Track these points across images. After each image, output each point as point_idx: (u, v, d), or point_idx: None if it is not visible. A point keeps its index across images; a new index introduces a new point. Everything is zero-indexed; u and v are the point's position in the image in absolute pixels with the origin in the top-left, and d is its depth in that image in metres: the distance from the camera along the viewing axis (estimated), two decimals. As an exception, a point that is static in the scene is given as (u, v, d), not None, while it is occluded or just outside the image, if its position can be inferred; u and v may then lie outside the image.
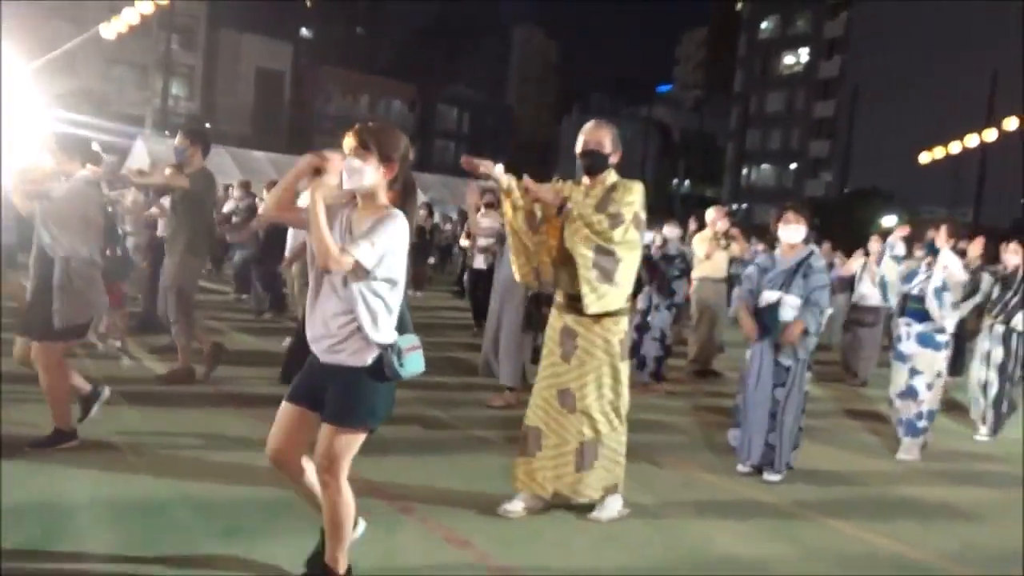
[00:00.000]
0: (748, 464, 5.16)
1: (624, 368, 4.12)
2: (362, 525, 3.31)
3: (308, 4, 59.41)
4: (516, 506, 4.10)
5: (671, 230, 8.04)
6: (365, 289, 2.89)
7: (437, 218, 17.77)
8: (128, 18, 16.27)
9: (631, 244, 3.98)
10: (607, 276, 3.91)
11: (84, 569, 3.18)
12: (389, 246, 2.88)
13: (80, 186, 4.63)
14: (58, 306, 4.43)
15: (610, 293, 3.93)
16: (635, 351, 7.38)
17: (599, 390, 4.05)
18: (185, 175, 6.12)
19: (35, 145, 5.93)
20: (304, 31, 60.60)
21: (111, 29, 16.65)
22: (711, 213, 8.69)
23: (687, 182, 63.82)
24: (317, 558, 3.13)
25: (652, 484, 4.79)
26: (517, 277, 4.26)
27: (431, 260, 16.78)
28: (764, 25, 58.04)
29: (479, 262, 9.44)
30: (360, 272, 2.85)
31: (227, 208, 12.47)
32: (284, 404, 3.08)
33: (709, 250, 8.37)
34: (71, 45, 18.26)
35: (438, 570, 3.46)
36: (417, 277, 15.35)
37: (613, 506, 4.16)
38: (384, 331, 2.95)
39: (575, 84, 77.83)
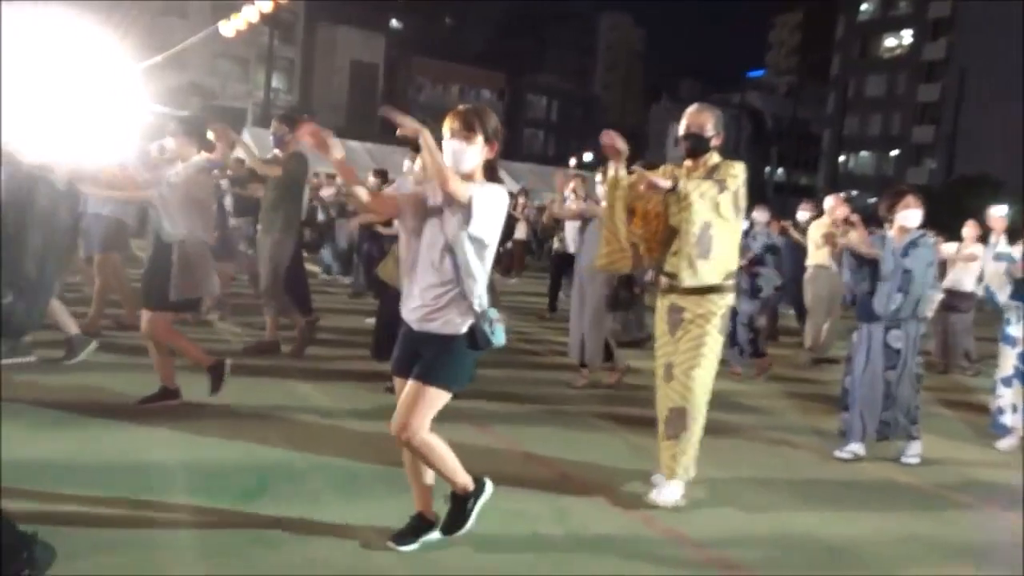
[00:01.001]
0: (853, 446, 5.21)
1: (720, 341, 4.20)
2: (490, 487, 3.48)
3: (399, -3, 60.45)
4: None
5: (760, 214, 8.07)
6: (464, 256, 3.07)
7: (526, 202, 18.01)
8: (248, 15, 16.70)
9: (730, 218, 4.06)
10: (705, 252, 4.01)
11: (176, 518, 3.52)
12: (490, 211, 3.06)
13: (195, 171, 5.01)
14: (175, 282, 4.83)
15: (705, 267, 4.03)
16: (732, 339, 7.45)
17: (696, 359, 4.12)
18: (281, 159, 6.52)
19: (144, 136, 6.44)
20: (395, 23, 61.72)
21: (230, 27, 17.08)
22: (830, 201, 8.63)
23: (780, 170, 62.23)
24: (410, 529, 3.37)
25: (742, 461, 4.91)
26: (600, 263, 4.39)
27: (525, 242, 17.03)
28: (864, 7, 55.97)
29: (563, 246, 9.68)
30: (465, 218, 3.02)
31: (326, 193, 13.03)
32: (398, 381, 3.32)
33: (829, 239, 8.34)
34: (188, 43, 19.10)
35: (627, 540, 3.68)
36: (509, 263, 15.68)
37: (673, 492, 4.14)
38: (479, 299, 3.14)
39: (663, 71, 76.92)
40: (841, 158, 54.40)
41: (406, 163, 6.30)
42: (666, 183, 4.03)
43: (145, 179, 5.18)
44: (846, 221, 8.38)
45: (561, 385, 6.59)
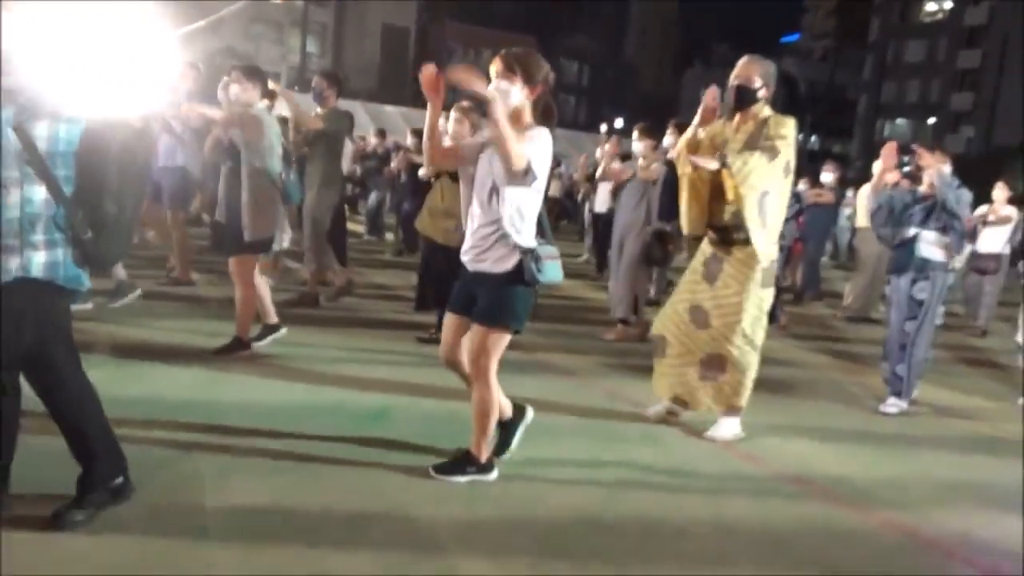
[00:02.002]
0: (893, 400, 5.37)
1: (767, 296, 4.31)
2: (530, 413, 3.74)
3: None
4: (656, 409, 4.56)
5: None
6: (509, 197, 3.25)
7: (563, 169, 18.13)
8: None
9: (781, 184, 4.14)
10: (762, 222, 4.12)
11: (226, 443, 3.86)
12: (535, 156, 3.22)
13: (262, 114, 5.24)
14: (247, 222, 5.08)
15: (762, 236, 4.14)
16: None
17: (739, 315, 4.23)
18: (322, 114, 6.75)
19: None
20: (427, -13, 61.29)
21: None
22: (879, 165, 8.70)
23: (814, 137, 61.31)
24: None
25: (771, 410, 5.14)
26: (690, 228, 4.45)
27: (558, 200, 17.16)
28: (905, -30, 54.61)
29: (601, 205, 9.92)
30: (524, 174, 3.20)
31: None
32: (448, 315, 3.58)
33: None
34: (227, 12, 19.26)
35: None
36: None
37: (730, 428, 4.39)
38: (525, 236, 3.31)
39: (696, 36, 75.62)
40: (877, 125, 53.51)
41: (440, 122, 6.48)
42: (713, 164, 4.11)
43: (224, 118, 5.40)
44: (895, 186, 8.43)
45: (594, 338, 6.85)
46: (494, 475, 3.57)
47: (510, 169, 3.18)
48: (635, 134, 6.96)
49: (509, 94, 3.28)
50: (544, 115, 3.38)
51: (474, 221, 3.40)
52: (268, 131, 5.13)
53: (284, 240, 5.76)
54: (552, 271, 3.39)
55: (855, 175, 22.18)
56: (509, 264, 3.33)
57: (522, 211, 3.31)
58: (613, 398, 5.04)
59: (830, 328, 8.63)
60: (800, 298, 10.10)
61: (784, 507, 3.63)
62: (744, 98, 4.23)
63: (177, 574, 2.64)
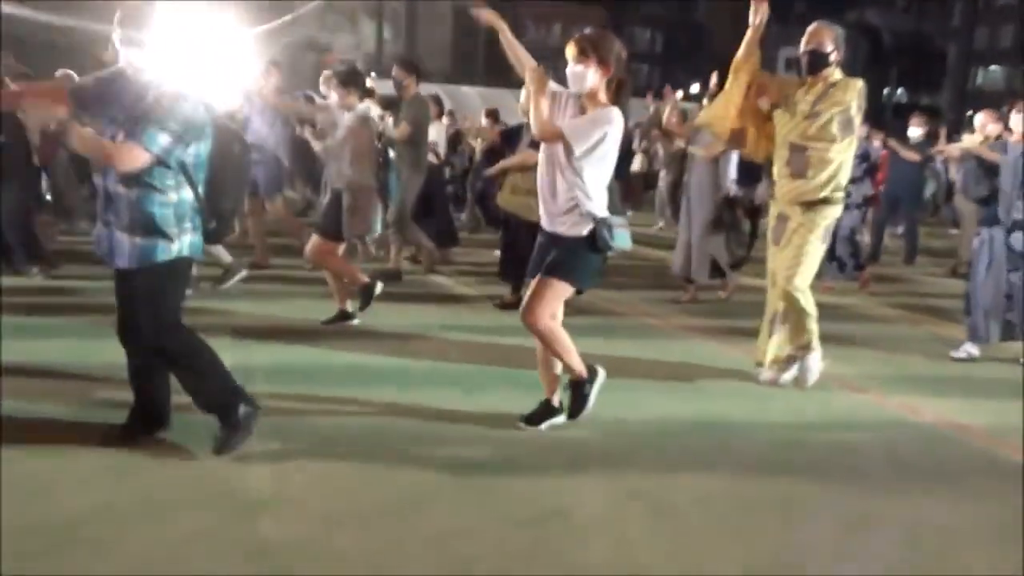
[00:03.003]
0: (968, 346, 5.52)
1: (822, 249, 4.57)
2: (603, 374, 3.99)
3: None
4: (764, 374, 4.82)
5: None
6: (582, 168, 3.56)
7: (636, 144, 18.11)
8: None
9: (843, 139, 4.37)
10: (816, 173, 4.37)
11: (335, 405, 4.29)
12: (602, 133, 3.52)
13: (359, 121, 5.63)
14: (346, 221, 5.57)
15: (815, 187, 4.41)
16: (831, 254, 7.70)
17: (796, 267, 4.49)
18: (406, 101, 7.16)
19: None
20: (495, -35, 61.28)
21: None
22: (980, 117, 8.58)
23: (901, 89, 58.92)
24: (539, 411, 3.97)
25: (853, 360, 5.33)
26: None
27: (642, 175, 17.22)
28: (995, -94, 51.70)
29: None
30: (566, 147, 3.52)
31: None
32: (530, 279, 3.87)
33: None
34: (304, 10, 19.87)
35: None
36: (625, 194, 15.89)
37: (813, 364, 4.60)
38: (597, 205, 3.62)
39: (774, -7, 73.19)
40: (969, 74, 51.06)
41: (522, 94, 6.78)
42: (765, 103, 4.43)
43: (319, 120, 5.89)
44: (998, 139, 8.27)
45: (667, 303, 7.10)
46: (603, 374, 3.93)
47: (543, 139, 3.54)
48: (705, 102, 7.12)
49: (585, 77, 3.55)
50: (618, 93, 3.63)
51: (551, 185, 3.68)
52: (361, 138, 5.55)
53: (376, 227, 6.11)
54: (622, 239, 3.70)
55: (948, 127, 21.38)
56: (583, 230, 3.65)
57: (591, 184, 3.60)
58: (716, 356, 5.35)
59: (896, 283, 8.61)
60: (910, 260, 9.98)
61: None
62: (816, 63, 4.47)
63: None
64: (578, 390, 3.92)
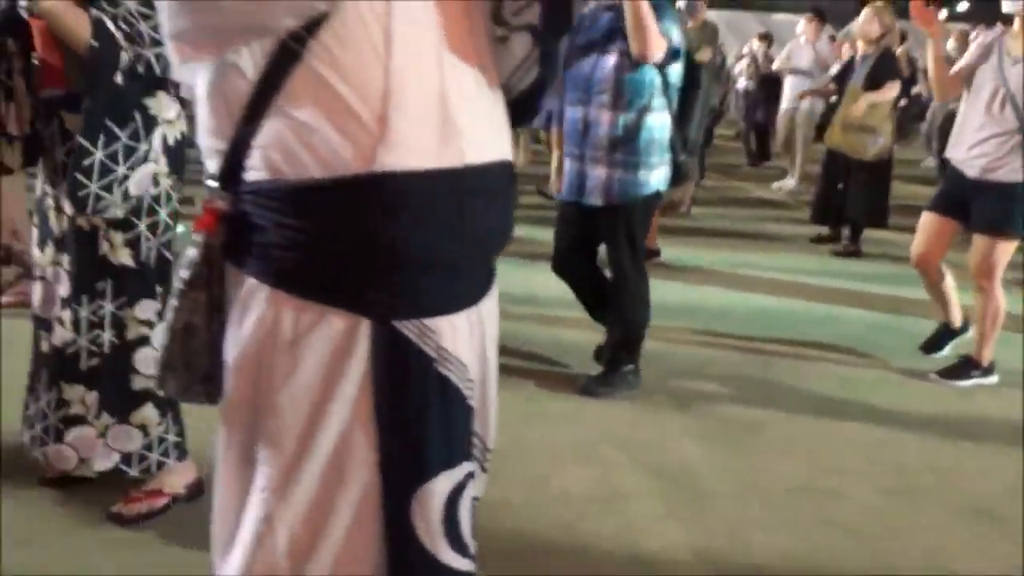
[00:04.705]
0: None
1: None
2: (972, 330, 3.68)
3: None
4: None
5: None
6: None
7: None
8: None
9: None
10: None
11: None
12: None
13: None
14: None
15: None
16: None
17: None
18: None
19: None
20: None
21: None
22: None
23: None
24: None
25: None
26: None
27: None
28: None
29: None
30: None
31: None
32: (927, 215, 3.61)
33: None
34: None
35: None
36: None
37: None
38: None
39: None
40: None
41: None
42: None
43: None
44: None
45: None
46: (994, 379, 3.64)
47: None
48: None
49: None
50: None
51: (978, 127, 3.43)
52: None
53: None
54: None
55: None
56: (1022, 174, 3.37)
57: None
58: None
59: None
60: None
61: None
62: None
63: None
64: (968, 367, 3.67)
